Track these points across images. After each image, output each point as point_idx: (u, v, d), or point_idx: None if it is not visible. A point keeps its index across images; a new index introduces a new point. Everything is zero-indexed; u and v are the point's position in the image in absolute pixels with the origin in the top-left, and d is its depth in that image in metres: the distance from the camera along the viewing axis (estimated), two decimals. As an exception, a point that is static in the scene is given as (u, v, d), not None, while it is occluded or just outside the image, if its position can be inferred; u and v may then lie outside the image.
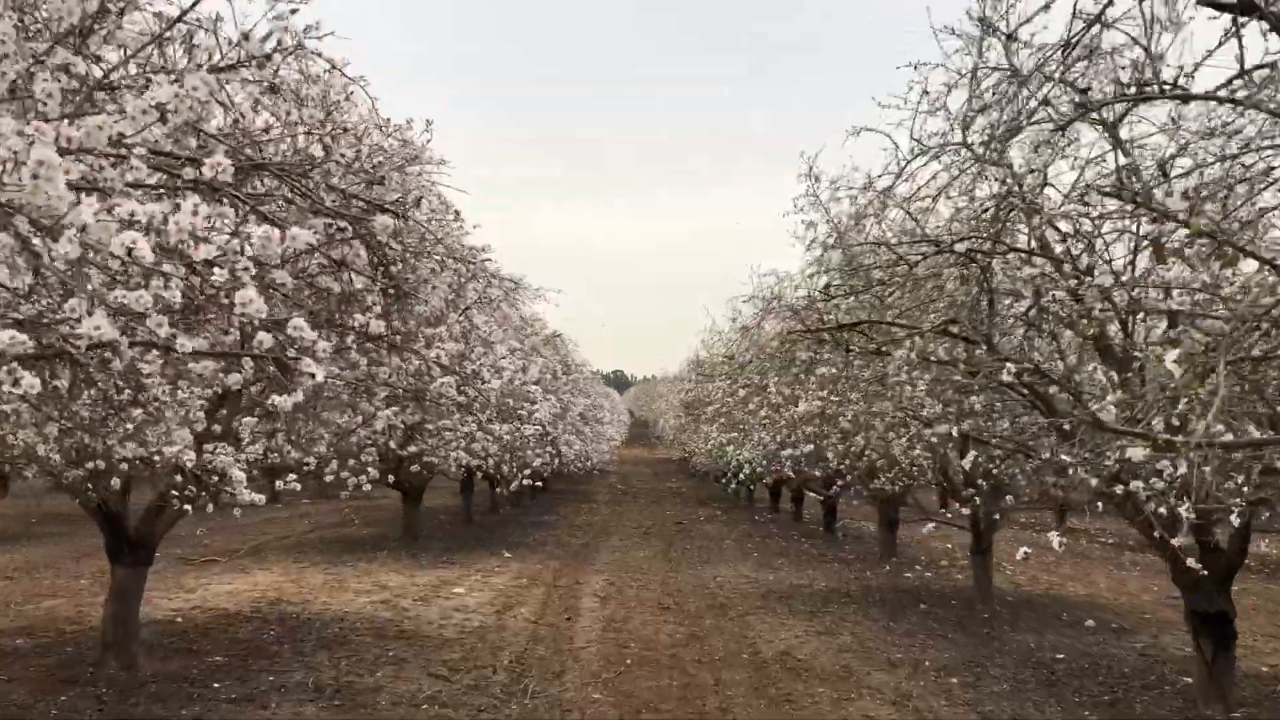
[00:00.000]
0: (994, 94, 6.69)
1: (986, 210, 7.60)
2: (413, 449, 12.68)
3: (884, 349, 8.55)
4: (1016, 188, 7.18)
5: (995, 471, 12.89)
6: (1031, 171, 7.24)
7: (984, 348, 7.71)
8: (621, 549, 19.04)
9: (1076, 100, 5.86)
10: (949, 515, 15.09)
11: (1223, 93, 5.07)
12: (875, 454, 12.81)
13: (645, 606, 12.79)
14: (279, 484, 8.14)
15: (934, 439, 9.53)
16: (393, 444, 13.64)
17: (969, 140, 7.91)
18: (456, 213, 9.12)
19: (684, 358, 31.99)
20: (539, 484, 11.61)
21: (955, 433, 8.54)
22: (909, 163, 8.20)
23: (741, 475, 14.44)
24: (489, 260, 9.06)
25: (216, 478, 6.56)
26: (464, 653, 9.74)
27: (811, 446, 13.05)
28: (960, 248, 7.46)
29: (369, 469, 9.03)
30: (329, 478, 8.50)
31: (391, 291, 6.56)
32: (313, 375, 3.34)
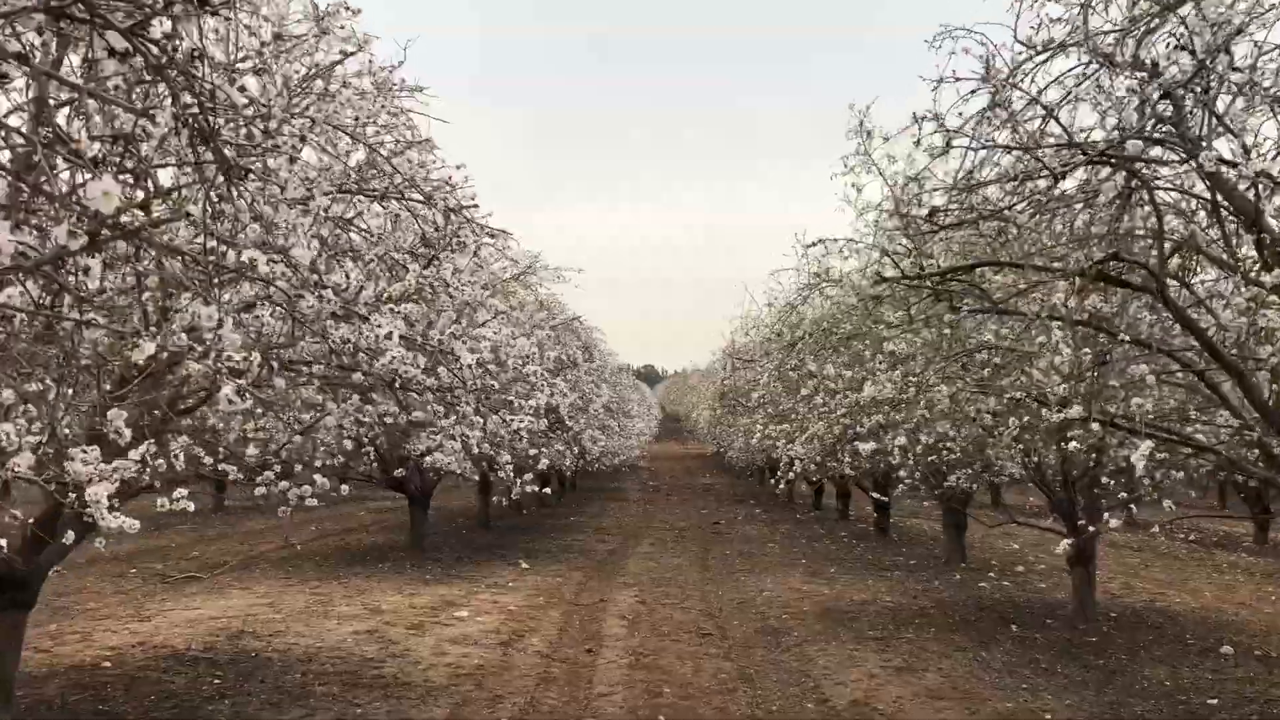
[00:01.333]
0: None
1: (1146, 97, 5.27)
2: (409, 449, 10.57)
3: (1004, 305, 6.25)
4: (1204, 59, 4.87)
5: (1100, 467, 10.59)
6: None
7: (1155, 298, 5.40)
8: (653, 556, 16.78)
9: None
10: (1014, 518, 12.74)
11: None
12: (960, 448, 10.49)
13: (681, 633, 10.53)
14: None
15: (1046, 427, 7.24)
16: (379, 443, 11.58)
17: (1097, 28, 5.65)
18: (427, 140, 6.98)
19: (717, 346, 29.70)
20: (546, 489, 9.53)
21: (1092, 420, 6.26)
22: (1020, 64, 5.94)
23: (792, 474, 12.09)
24: (471, 206, 6.90)
25: (73, 495, 4.30)
26: (452, 708, 7.52)
27: (872, 443, 10.78)
28: (1126, 149, 5.15)
29: (318, 477, 6.85)
30: (260, 490, 6.32)
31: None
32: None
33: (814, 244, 14.09)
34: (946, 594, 13.09)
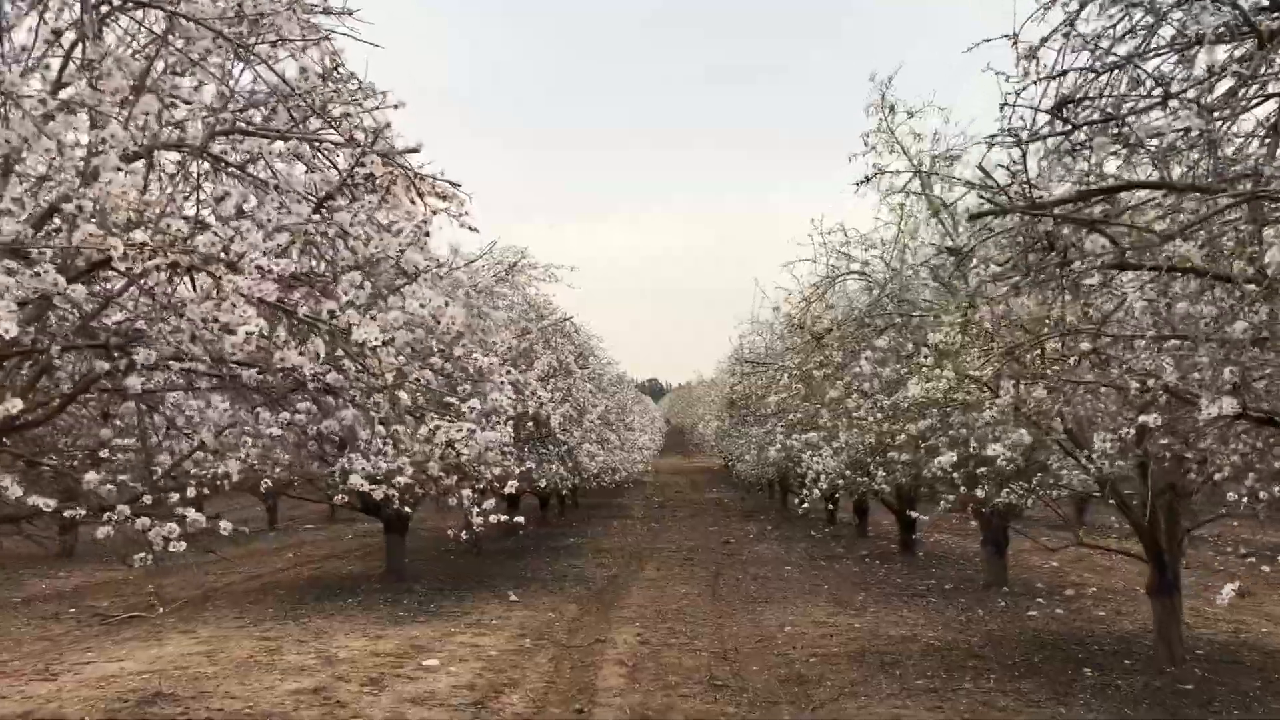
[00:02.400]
0: None
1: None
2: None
3: (1132, 253, 4.43)
4: None
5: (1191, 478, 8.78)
6: None
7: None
8: (658, 582, 14.92)
9: None
10: (1080, 539, 10.89)
11: None
12: (1013, 457, 8.66)
13: (691, 682, 8.69)
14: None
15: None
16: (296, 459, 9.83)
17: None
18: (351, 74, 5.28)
19: (724, 354, 27.85)
20: (518, 518, 7.77)
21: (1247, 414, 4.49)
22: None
23: (818, 490, 10.22)
24: (409, 151, 5.20)
25: None
26: (394, 810, 5.69)
27: (952, 454, 8.95)
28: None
29: (190, 511, 5.05)
30: (105, 527, 4.51)
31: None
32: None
33: (832, 230, 12.36)
34: (995, 626, 11.22)
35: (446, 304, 4.47)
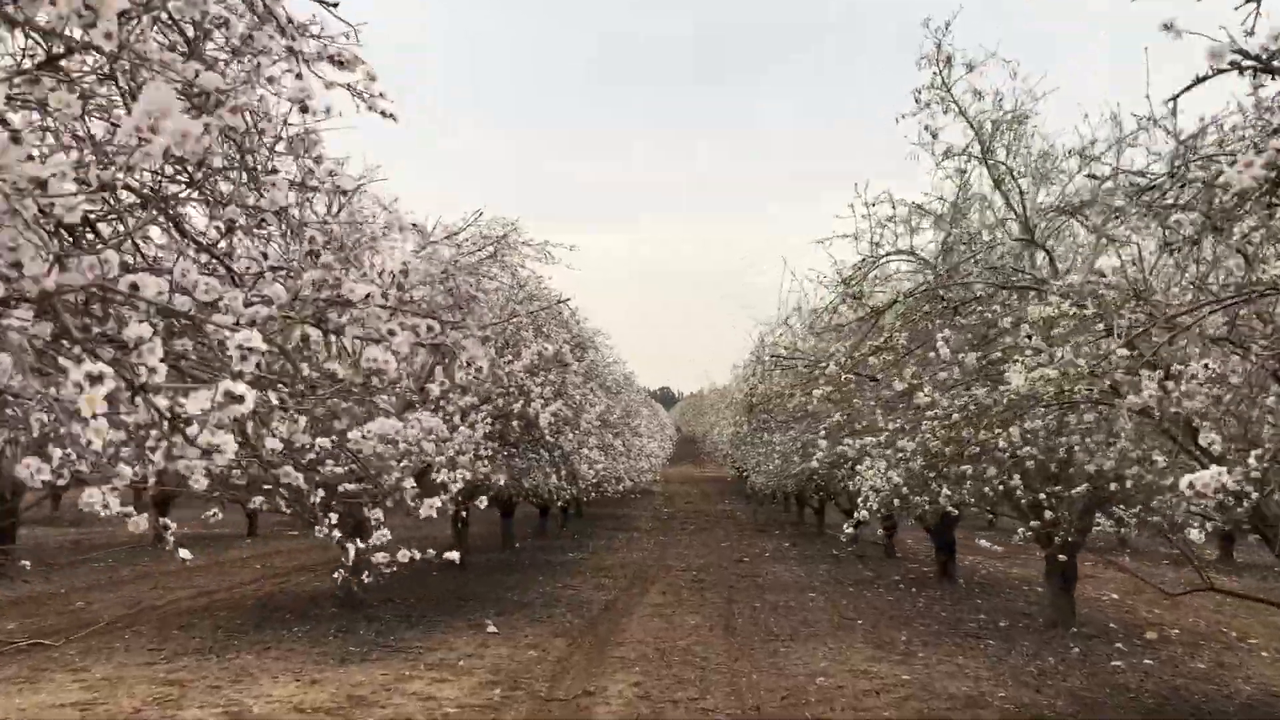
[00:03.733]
0: None
1: None
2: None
3: None
4: None
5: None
6: None
7: None
8: (663, 610, 12.67)
9: None
10: (1208, 580, 8.62)
11: None
12: (1137, 474, 6.42)
13: (703, 764, 6.44)
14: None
15: None
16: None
17: None
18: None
19: (740, 358, 25.54)
20: (453, 554, 5.76)
21: None
22: None
23: (866, 513, 7.91)
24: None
25: None
26: None
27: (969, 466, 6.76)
28: None
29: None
30: None
31: None
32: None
33: (879, 200, 10.18)
34: (1077, 682, 8.94)
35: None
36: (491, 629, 10.88)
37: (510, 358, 10.86)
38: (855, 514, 7.33)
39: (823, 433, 7.95)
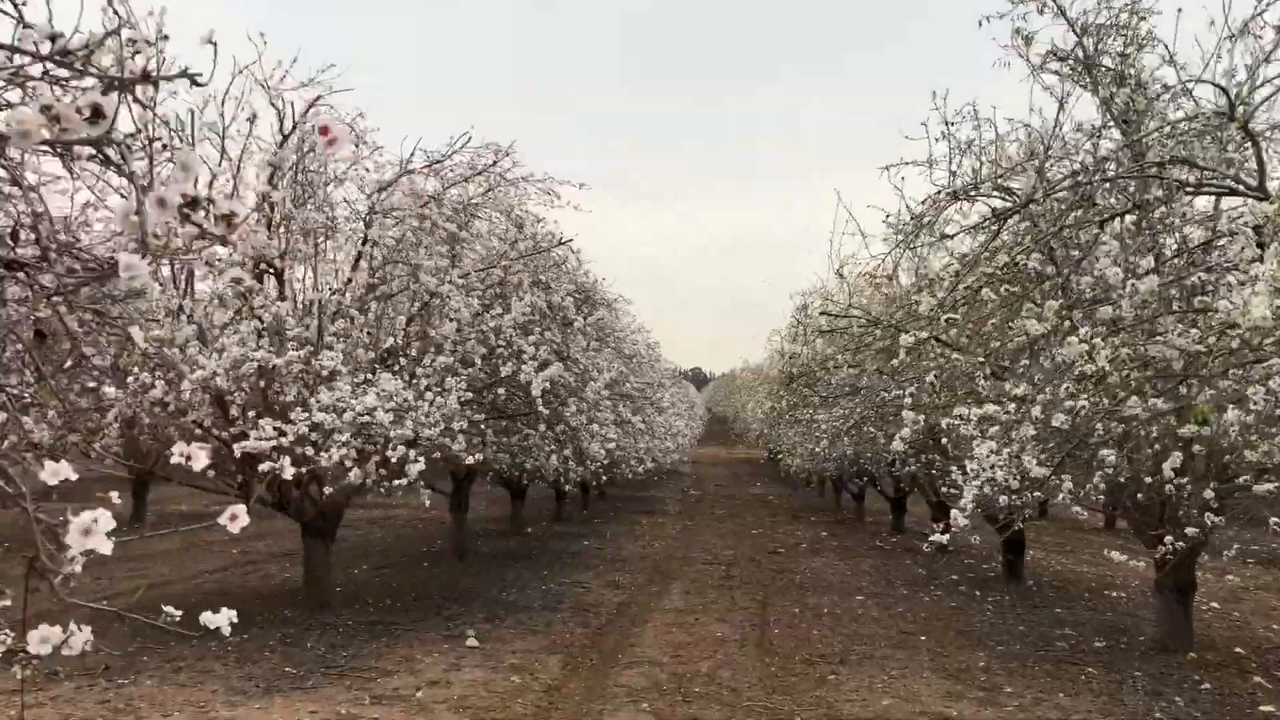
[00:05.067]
0: None
1: None
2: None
3: None
4: None
5: None
6: None
7: None
8: (685, 616, 10.46)
9: None
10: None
11: None
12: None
13: None
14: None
15: None
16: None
17: None
18: None
19: (776, 330, 23.16)
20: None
21: None
22: None
23: (966, 508, 5.51)
24: None
25: None
26: None
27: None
28: None
29: None
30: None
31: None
32: None
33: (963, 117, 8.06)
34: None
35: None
36: (472, 642, 8.72)
37: (500, 311, 8.65)
38: (953, 512, 5.10)
39: (908, 400, 5.66)
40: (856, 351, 8.45)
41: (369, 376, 7.51)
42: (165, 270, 8.63)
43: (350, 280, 9.05)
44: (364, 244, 9.10)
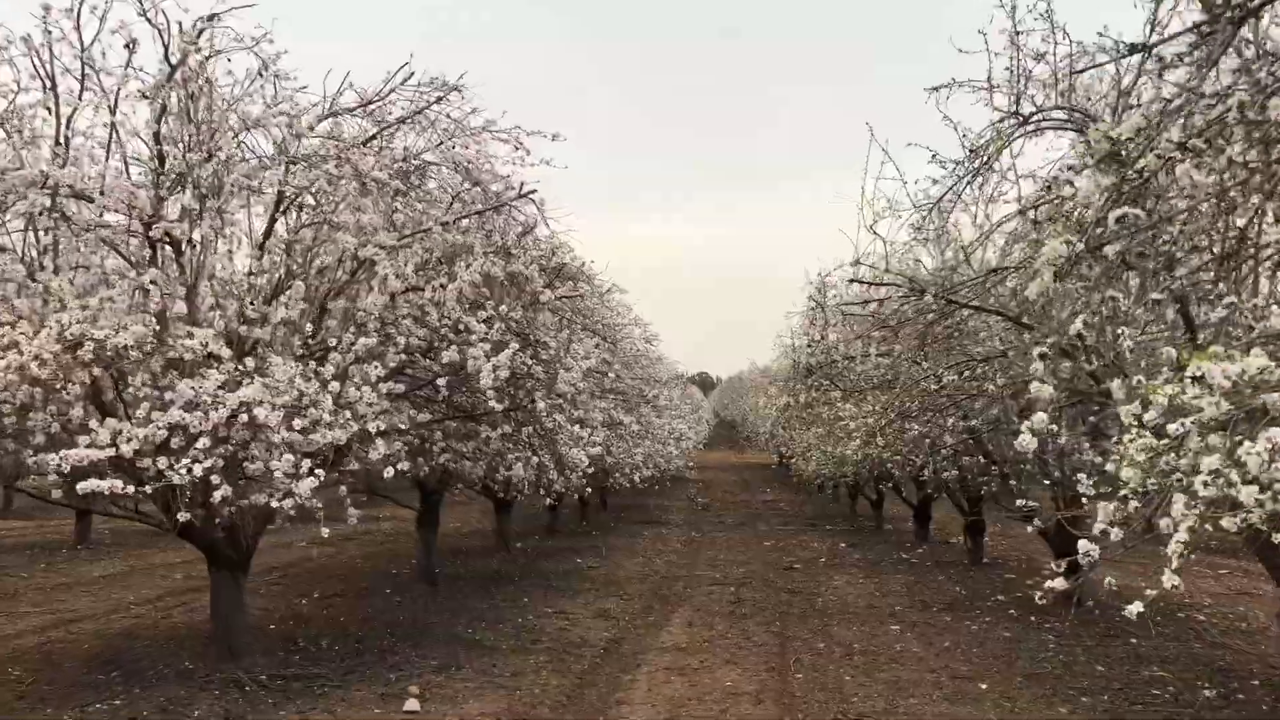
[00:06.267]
0: None
1: None
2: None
3: None
4: None
5: None
6: None
7: None
8: (686, 659, 8.44)
9: None
10: None
11: None
12: None
13: None
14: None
15: None
16: None
17: None
18: None
19: (791, 322, 21.00)
20: None
21: None
22: None
23: (1184, 535, 3.47)
24: None
25: None
26: None
27: None
28: None
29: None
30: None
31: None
32: None
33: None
34: None
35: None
36: (411, 704, 6.71)
37: (443, 281, 6.66)
38: (1083, 548, 3.17)
39: (1037, 365, 3.72)
40: (901, 326, 6.47)
41: (254, 364, 5.54)
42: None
43: (263, 248, 7.07)
44: (278, 204, 7.15)
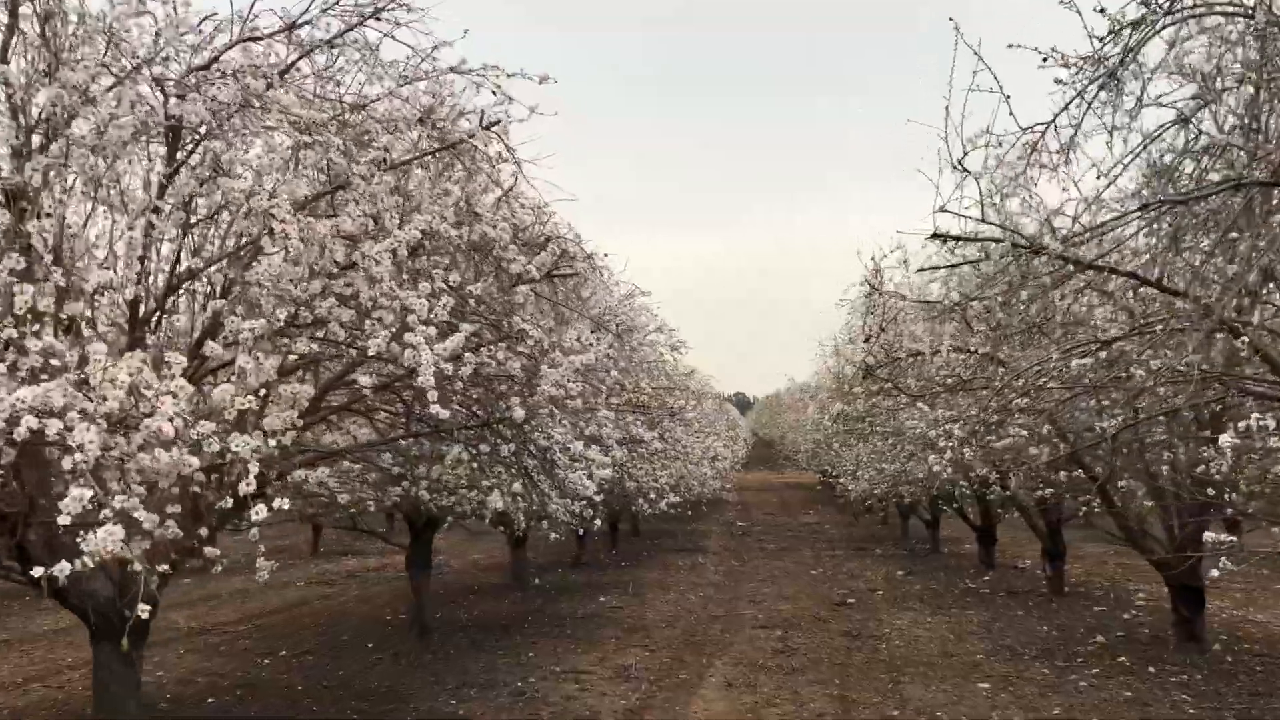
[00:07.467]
0: None
1: None
2: None
3: None
4: None
5: None
6: None
7: None
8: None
9: None
10: None
11: None
12: None
13: None
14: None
15: None
16: None
17: None
18: None
19: (830, 333, 18.98)
20: None
21: None
22: None
23: None
24: None
25: None
26: None
27: None
28: None
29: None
30: None
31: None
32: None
33: None
34: None
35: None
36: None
37: (373, 238, 4.77)
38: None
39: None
40: (1011, 292, 4.51)
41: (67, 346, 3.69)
42: None
43: (151, 203, 5.21)
44: (172, 139, 5.31)
